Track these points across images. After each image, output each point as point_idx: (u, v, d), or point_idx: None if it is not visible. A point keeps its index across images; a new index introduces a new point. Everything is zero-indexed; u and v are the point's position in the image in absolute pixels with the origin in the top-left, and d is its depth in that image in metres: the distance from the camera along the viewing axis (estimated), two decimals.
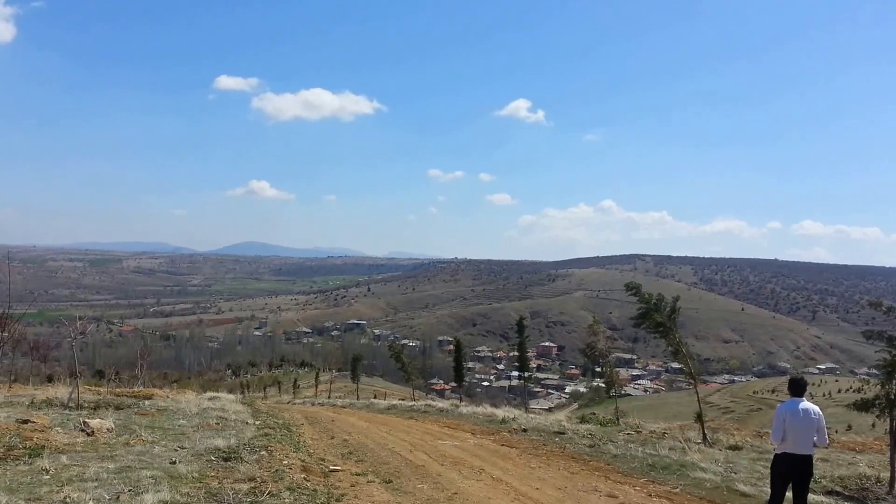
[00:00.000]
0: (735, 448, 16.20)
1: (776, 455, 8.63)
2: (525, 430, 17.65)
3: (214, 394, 28.80)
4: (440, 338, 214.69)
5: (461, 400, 36.52)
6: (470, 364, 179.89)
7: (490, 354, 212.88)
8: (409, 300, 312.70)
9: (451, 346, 50.16)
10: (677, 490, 10.68)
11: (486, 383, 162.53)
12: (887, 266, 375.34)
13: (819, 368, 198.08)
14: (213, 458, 10.85)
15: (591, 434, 17.17)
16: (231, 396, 27.77)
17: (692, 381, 19.12)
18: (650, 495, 10.29)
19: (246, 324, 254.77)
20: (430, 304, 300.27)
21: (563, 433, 17.16)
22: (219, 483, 9.07)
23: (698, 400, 19.11)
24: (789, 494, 8.51)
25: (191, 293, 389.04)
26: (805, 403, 8.53)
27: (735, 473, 11.96)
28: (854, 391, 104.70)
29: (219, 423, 15.98)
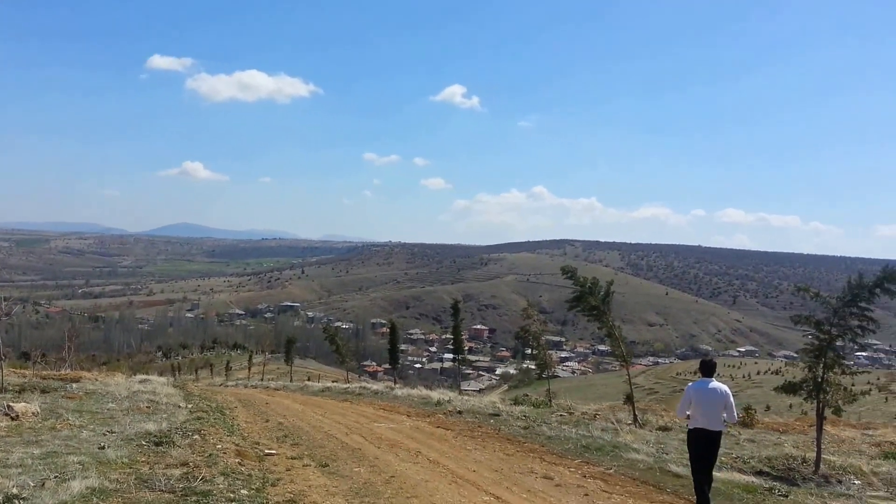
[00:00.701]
0: (664, 429, 16.60)
1: (689, 431, 9.14)
2: (460, 412, 17.68)
3: (145, 376, 27.98)
4: (373, 320, 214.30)
5: (395, 382, 36.47)
6: (403, 346, 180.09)
7: (423, 337, 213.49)
8: (343, 283, 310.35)
9: (385, 329, 50.12)
10: (611, 471, 10.82)
11: (418, 365, 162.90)
12: (805, 253, 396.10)
13: (739, 351, 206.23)
14: (143, 443, 10.47)
15: (525, 416, 17.31)
16: (162, 379, 27.00)
17: (622, 363, 19.50)
18: (585, 476, 10.41)
19: (178, 305, 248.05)
20: (363, 286, 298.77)
21: (498, 415, 17.26)
22: (150, 468, 8.74)
23: (629, 381, 19.52)
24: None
25: (121, 274, 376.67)
26: (714, 383, 9.02)
27: (667, 454, 12.22)
28: (773, 373, 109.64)
29: (150, 407, 15.47)
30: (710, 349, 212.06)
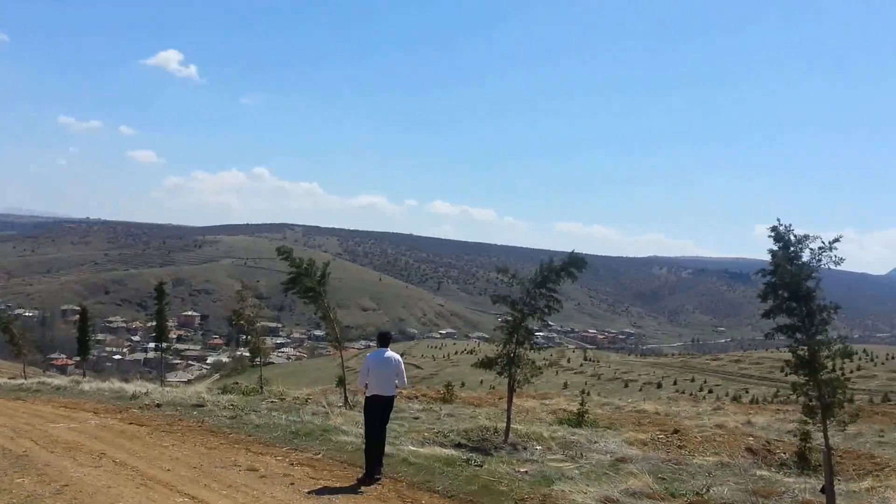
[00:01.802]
0: None
1: (367, 398, 9.70)
2: (159, 406, 16.34)
3: None
4: (64, 307, 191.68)
5: (84, 375, 32.94)
6: (100, 336, 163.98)
7: (125, 325, 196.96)
8: (28, 264, 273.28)
9: (78, 317, 44.85)
10: (319, 456, 10.67)
11: (118, 356, 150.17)
12: (499, 244, 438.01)
13: (441, 333, 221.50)
14: None
15: (233, 405, 16.52)
16: None
17: (336, 347, 19.56)
18: (292, 464, 10.12)
19: None
20: (54, 268, 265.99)
21: (203, 406, 16.24)
22: None
23: (342, 364, 19.64)
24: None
25: None
26: (389, 353, 9.71)
27: None
28: (468, 352, 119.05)
29: None
30: (416, 332, 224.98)
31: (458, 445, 11.70)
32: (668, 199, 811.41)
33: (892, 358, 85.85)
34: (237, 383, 27.04)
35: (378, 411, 9.59)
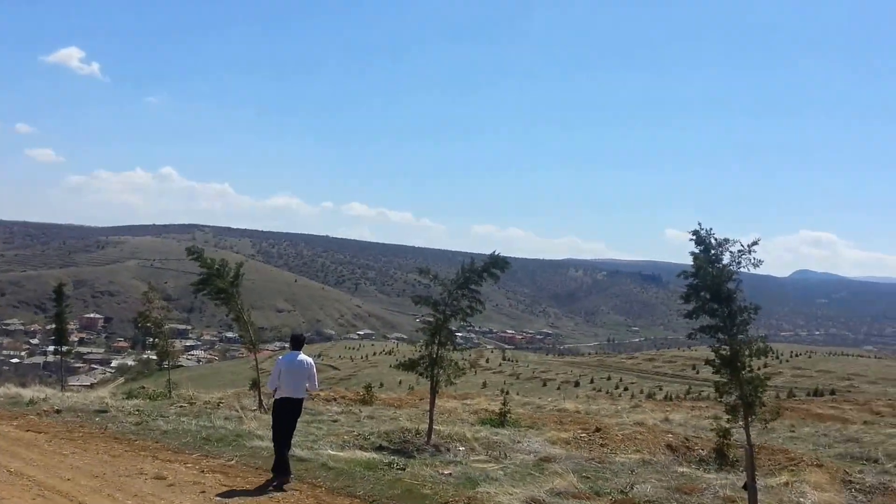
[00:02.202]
0: None
1: (275, 401, 9.69)
2: (59, 412, 15.33)
3: None
4: None
5: None
6: None
7: (22, 328, 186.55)
8: None
9: None
10: (232, 462, 10.24)
11: (15, 360, 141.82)
12: (417, 246, 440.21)
13: (359, 334, 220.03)
14: None
15: (139, 410, 15.69)
16: None
17: (250, 349, 18.87)
18: (203, 471, 9.63)
19: None
20: None
21: (106, 411, 15.35)
22: None
23: (256, 367, 18.96)
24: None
25: None
26: (301, 356, 9.75)
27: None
28: (386, 353, 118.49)
29: None
30: (334, 333, 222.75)
31: (379, 448, 11.41)
32: (581, 202, 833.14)
33: (796, 356, 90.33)
34: (143, 387, 25.77)
35: (287, 414, 9.56)
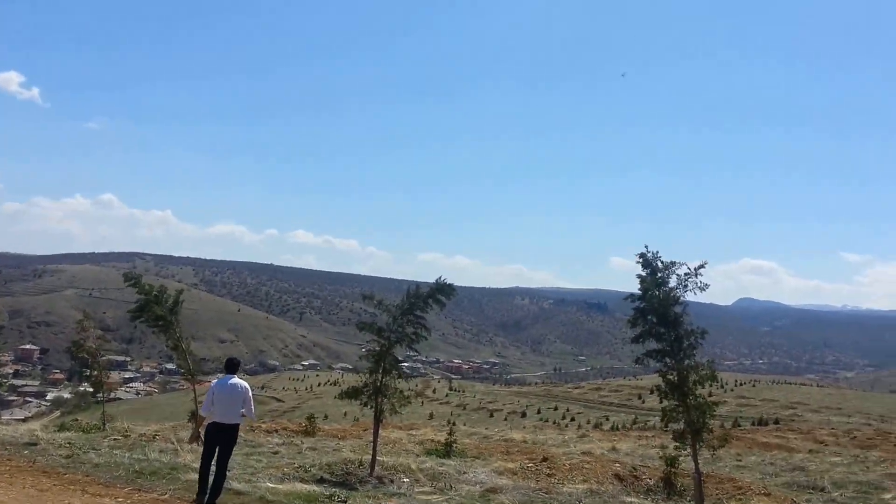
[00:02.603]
0: None
1: (208, 425, 9.53)
2: None
3: None
4: None
5: None
6: None
7: None
8: None
9: None
10: (166, 496, 9.80)
11: None
12: (363, 274, 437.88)
13: (303, 365, 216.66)
14: None
15: (70, 443, 14.94)
16: None
17: (189, 379, 18.21)
18: None
19: None
20: None
21: (36, 444, 14.57)
22: None
23: (195, 398, 18.29)
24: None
25: None
26: (235, 379, 9.60)
27: (229, 471, 11.49)
28: (331, 384, 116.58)
29: None
30: (278, 363, 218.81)
31: (321, 480, 11.04)
32: (528, 230, 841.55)
33: (740, 384, 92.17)
34: (77, 420, 24.65)
35: (219, 439, 9.34)
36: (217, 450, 9.40)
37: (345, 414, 60.33)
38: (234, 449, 15.19)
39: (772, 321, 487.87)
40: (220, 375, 10.09)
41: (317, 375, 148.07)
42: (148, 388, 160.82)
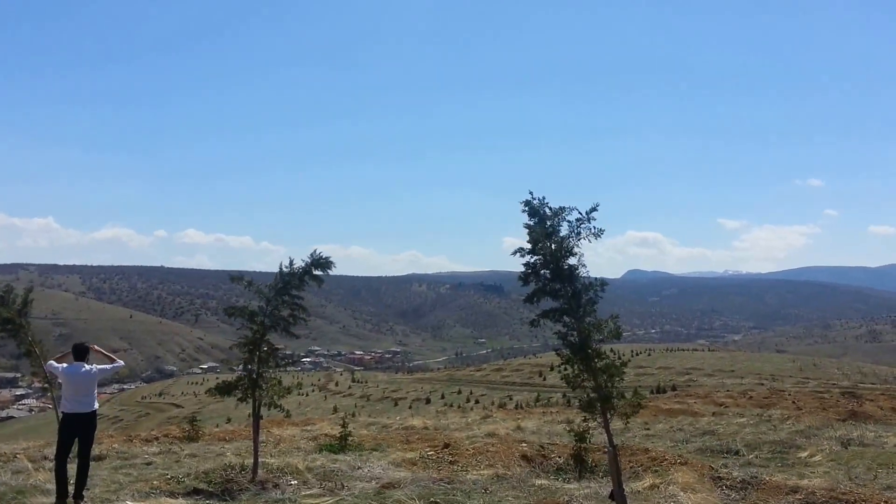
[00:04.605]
0: (97, 458, 14.08)
1: (63, 416, 9.00)
2: None
3: None
4: None
5: None
6: None
7: None
8: None
9: None
10: None
11: None
12: (259, 270, 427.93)
13: (203, 367, 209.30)
14: None
15: None
16: None
17: (47, 388, 16.26)
18: None
19: None
20: None
21: None
22: None
23: (56, 409, 16.32)
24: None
25: None
26: (86, 366, 9.00)
27: (86, 490, 9.95)
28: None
29: None
30: (175, 369, 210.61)
31: (195, 492, 9.64)
32: (421, 217, 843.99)
33: (637, 354, 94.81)
34: None
35: (78, 429, 8.80)
36: (77, 441, 8.84)
37: (248, 415, 57.86)
38: (103, 463, 13.62)
39: (660, 291, 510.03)
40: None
41: (216, 377, 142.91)
42: (42, 405, 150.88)
